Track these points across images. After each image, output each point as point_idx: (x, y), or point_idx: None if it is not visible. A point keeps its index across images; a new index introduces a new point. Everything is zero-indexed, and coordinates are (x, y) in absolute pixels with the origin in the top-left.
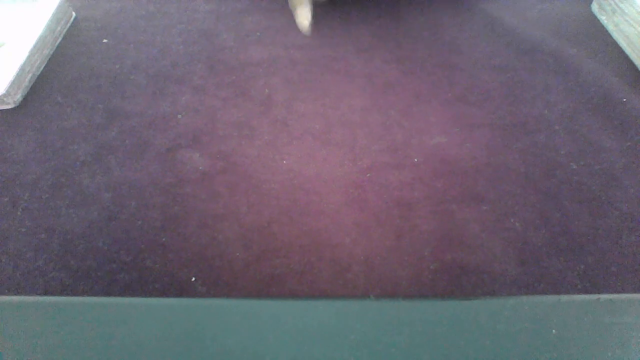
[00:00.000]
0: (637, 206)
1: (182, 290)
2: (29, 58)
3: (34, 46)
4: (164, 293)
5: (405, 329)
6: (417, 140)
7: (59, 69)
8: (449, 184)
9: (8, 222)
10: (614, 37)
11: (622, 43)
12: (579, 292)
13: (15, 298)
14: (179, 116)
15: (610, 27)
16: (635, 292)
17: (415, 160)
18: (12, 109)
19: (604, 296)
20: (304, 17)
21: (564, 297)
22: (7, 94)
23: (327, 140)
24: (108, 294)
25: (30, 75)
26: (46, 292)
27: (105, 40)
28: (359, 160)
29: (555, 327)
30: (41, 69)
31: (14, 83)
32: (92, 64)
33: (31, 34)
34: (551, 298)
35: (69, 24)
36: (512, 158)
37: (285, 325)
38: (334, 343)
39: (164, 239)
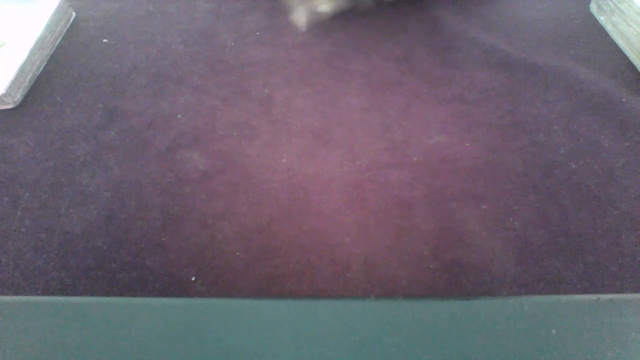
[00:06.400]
0: (637, 206)
1: (182, 290)
2: (29, 58)
3: (34, 46)
4: (164, 293)
5: (405, 329)
6: (416, 139)
7: (59, 69)
8: (448, 183)
9: (8, 222)
10: (613, 37)
11: (621, 43)
12: (579, 291)
13: (15, 298)
14: (179, 116)
15: (609, 27)
16: (635, 292)
17: (415, 159)
18: (12, 109)
19: (604, 296)
20: (301, 17)
21: (564, 297)
22: (7, 94)
23: (326, 139)
24: (108, 294)
25: (30, 75)
26: (46, 292)
27: (105, 40)
28: (358, 160)
29: (555, 327)
30: (41, 69)
31: (14, 83)
32: (92, 64)
33: (31, 34)
34: (551, 298)
35: (69, 24)
36: (511, 157)
37: (285, 325)
38: (334, 343)
39: (164, 239)
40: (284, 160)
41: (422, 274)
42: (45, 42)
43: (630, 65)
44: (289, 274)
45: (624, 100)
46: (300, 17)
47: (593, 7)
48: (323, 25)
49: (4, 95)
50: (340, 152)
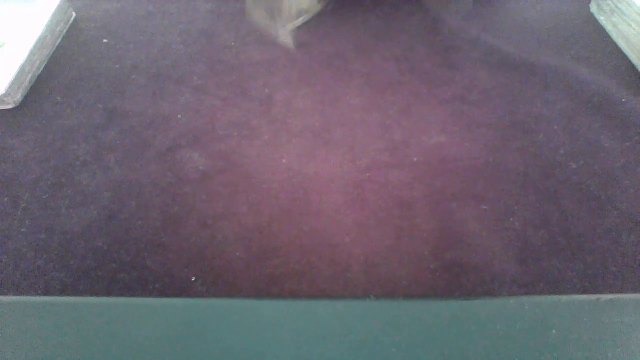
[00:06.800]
0: (637, 206)
1: (182, 290)
2: (29, 58)
3: (34, 46)
4: (164, 293)
5: (405, 329)
6: (416, 139)
7: (59, 69)
8: (448, 183)
9: (8, 222)
10: (612, 37)
11: (621, 43)
12: (579, 291)
13: (15, 298)
14: (179, 116)
15: (609, 27)
16: (635, 292)
17: (415, 159)
18: (12, 109)
19: (604, 296)
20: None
21: (564, 297)
22: (7, 94)
23: (326, 139)
24: (108, 294)
25: (30, 75)
26: (46, 292)
27: (105, 40)
28: (358, 160)
29: (555, 327)
30: (41, 69)
31: (14, 83)
32: (92, 64)
33: (31, 34)
34: (551, 298)
35: (69, 24)
36: (511, 157)
37: (285, 325)
38: (334, 343)
39: (163, 239)
40: (284, 160)
41: (422, 274)
42: (45, 42)
43: (630, 65)
44: (289, 274)
45: (624, 100)
46: (284, 36)
47: (593, 7)
48: (310, 31)
49: (4, 95)
50: (340, 152)
